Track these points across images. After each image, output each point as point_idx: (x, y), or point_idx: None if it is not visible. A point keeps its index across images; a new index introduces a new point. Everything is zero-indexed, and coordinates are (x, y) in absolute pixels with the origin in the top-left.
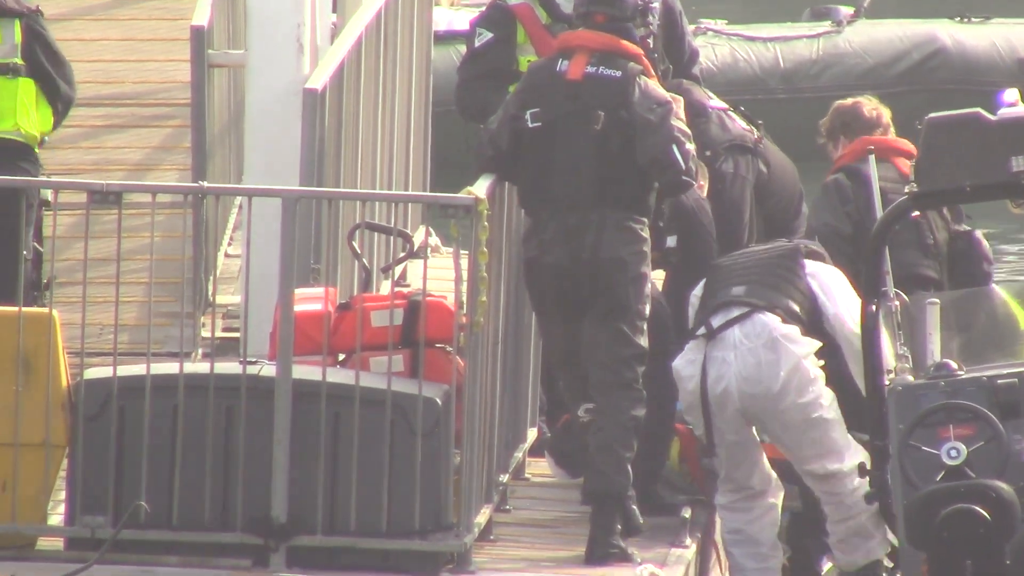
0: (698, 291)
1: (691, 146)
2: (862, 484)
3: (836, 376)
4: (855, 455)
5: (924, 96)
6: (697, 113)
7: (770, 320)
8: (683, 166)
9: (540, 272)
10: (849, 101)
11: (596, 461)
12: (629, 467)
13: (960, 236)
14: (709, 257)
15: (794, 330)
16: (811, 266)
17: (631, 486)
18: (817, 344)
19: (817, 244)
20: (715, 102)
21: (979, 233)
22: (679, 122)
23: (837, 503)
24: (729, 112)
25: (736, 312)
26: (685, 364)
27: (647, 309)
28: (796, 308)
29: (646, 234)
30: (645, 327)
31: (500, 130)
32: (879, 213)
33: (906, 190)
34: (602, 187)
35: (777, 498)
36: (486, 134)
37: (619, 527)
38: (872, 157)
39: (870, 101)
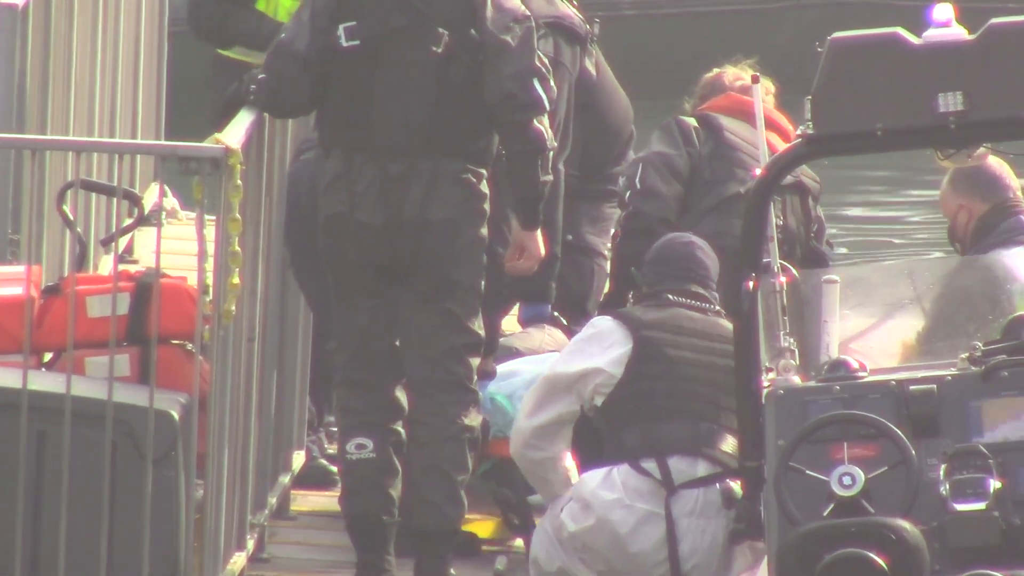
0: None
1: (553, 84)
2: None
3: None
4: None
5: (815, 13)
6: None
7: (728, 491)
8: (545, 106)
9: (346, 232)
10: (713, 72)
11: (420, 487)
12: (463, 494)
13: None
14: None
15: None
16: None
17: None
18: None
19: None
20: None
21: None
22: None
23: None
24: None
25: (703, 471)
26: (615, 505)
27: (483, 284)
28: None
29: (486, 189)
30: (480, 308)
31: (312, 50)
32: (765, 156)
33: (798, 131)
34: (438, 128)
35: None
36: (284, 58)
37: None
38: (758, 87)
39: (737, 67)
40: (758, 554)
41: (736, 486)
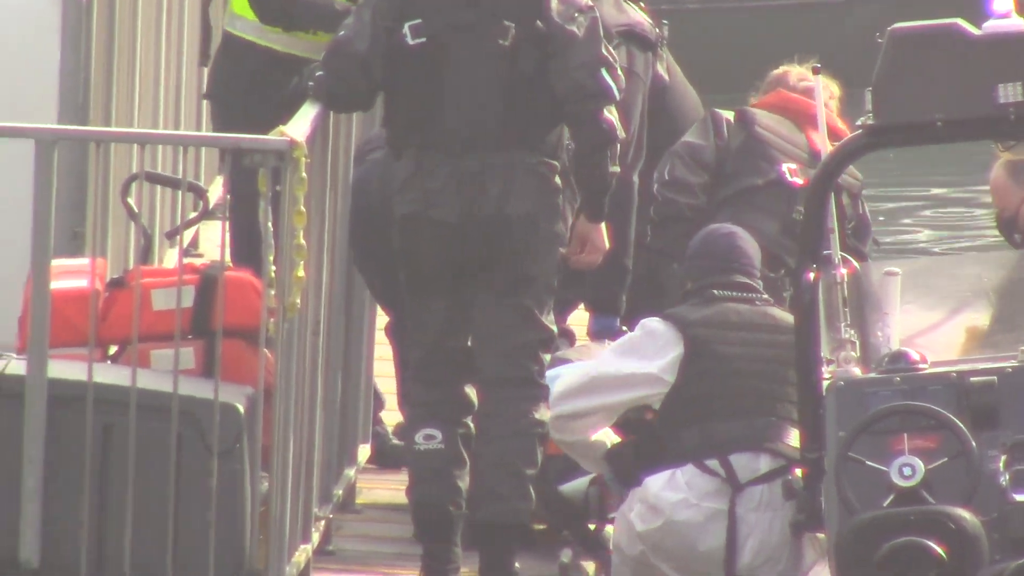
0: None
1: (621, 73)
2: None
3: None
4: None
5: (879, 6)
6: None
7: (788, 482)
8: (615, 95)
9: (422, 231)
10: (780, 69)
11: (489, 481)
12: (532, 489)
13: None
14: None
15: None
16: None
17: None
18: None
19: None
20: None
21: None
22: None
23: None
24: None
25: (765, 466)
26: (681, 505)
27: (556, 280)
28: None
29: (560, 182)
30: (552, 303)
31: (372, 52)
32: (826, 147)
33: (859, 122)
34: (510, 122)
35: None
36: (343, 58)
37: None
38: (819, 78)
39: (803, 67)
40: (824, 546)
41: (796, 477)
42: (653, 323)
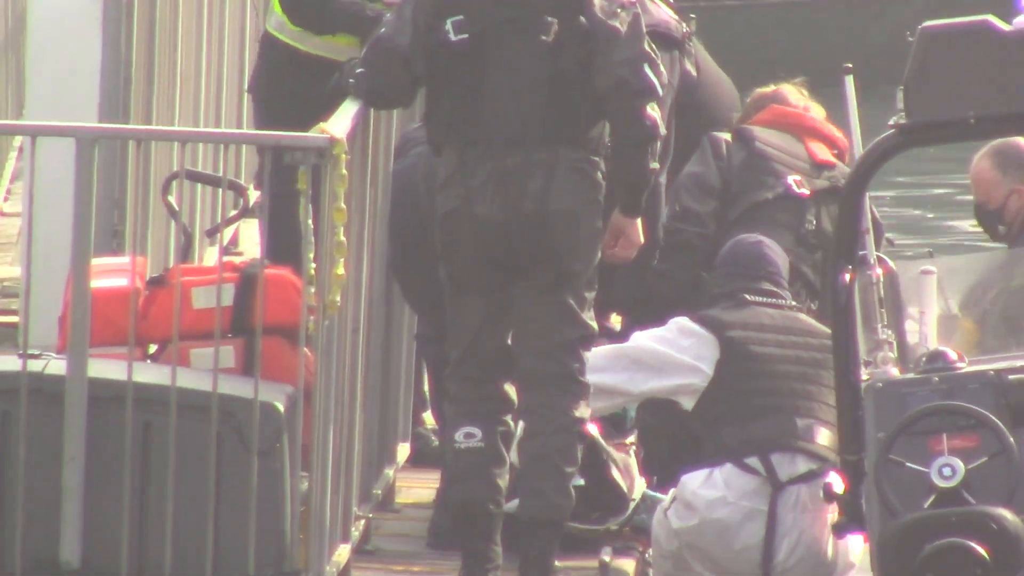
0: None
1: (663, 69)
2: None
3: None
4: None
5: (919, 3)
6: None
7: (827, 485)
8: (658, 92)
9: (464, 228)
10: (771, 87)
11: (530, 476)
12: (571, 486)
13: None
14: None
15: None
16: None
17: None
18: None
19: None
20: None
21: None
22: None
23: None
24: None
25: (803, 466)
26: (718, 503)
27: (596, 277)
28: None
29: (601, 179)
30: (593, 300)
31: (414, 47)
32: (859, 149)
33: (891, 122)
34: (552, 118)
35: None
36: (384, 54)
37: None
38: (850, 78)
39: (798, 90)
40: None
41: (836, 480)
42: (686, 322)
